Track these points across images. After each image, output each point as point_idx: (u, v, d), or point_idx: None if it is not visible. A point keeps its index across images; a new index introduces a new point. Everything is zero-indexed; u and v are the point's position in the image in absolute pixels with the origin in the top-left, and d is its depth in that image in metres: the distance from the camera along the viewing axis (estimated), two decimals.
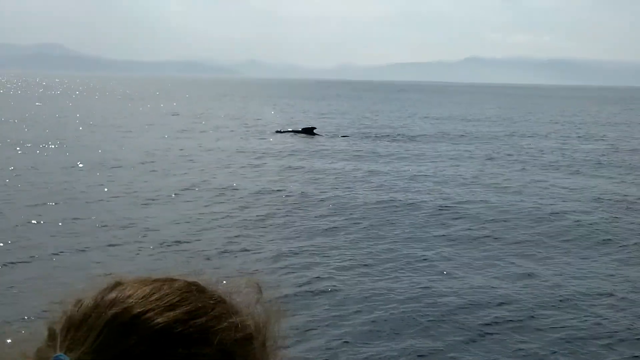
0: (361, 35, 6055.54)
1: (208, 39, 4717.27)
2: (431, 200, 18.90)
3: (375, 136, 39.19)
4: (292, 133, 38.33)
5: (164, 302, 0.92)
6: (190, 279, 1.00)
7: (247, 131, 40.72)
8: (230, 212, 16.82)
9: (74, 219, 15.48)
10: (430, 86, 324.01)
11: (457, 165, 26.86)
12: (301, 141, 34.93)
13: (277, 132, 38.88)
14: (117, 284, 0.96)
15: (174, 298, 0.93)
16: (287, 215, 16.67)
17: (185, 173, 23.11)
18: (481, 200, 18.95)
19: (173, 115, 55.83)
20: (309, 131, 38.45)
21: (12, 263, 11.85)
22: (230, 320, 0.94)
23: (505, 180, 23.28)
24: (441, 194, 20.04)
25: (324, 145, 33.20)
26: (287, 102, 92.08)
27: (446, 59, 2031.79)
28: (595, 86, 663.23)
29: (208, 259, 12.55)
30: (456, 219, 16.69)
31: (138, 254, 12.85)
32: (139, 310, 0.90)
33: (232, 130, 40.99)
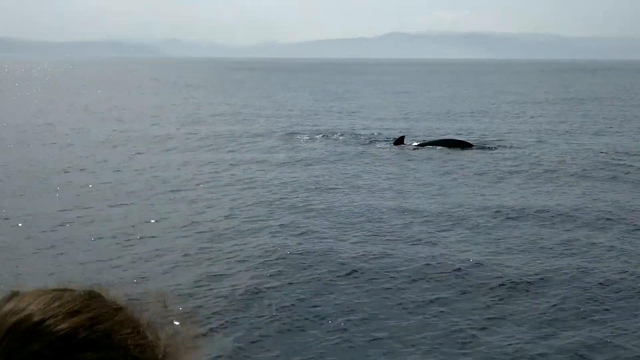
0: (282, 12, 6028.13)
1: (125, 17, 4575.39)
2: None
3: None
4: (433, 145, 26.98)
5: (66, 308, 0.90)
6: (90, 288, 0.98)
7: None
8: None
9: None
10: (354, 63, 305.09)
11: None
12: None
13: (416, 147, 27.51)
14: (13, 294, 0.94)
15: (76, 305, 0.91)
16: None
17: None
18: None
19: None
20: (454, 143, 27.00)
21: None
22: (133, 327, 0.94)
23: None
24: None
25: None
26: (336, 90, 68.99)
27: (367, 36, 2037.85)
28: (522, 60, 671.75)
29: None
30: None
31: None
32: (40, 317, 0.89)
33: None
